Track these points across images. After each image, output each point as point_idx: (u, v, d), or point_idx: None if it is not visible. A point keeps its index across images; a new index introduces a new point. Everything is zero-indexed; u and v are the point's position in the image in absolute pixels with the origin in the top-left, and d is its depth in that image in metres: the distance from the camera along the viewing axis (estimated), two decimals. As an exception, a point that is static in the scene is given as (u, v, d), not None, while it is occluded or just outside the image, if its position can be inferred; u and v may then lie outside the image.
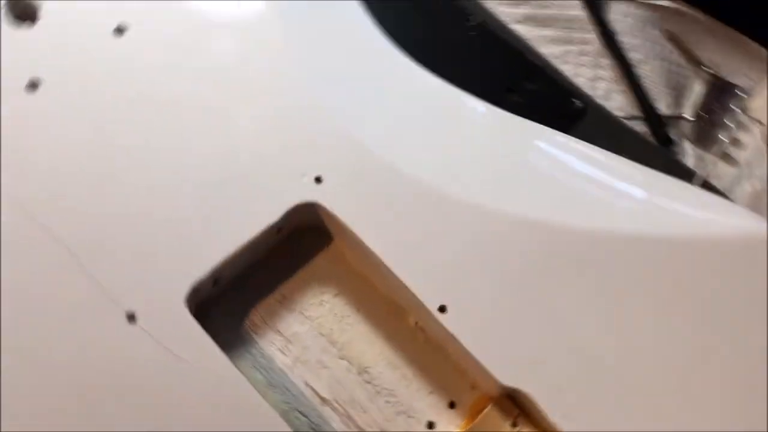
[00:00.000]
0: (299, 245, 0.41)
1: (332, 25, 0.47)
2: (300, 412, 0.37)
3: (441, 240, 0.39)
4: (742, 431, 0.36)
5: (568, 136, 0.43)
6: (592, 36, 0.56)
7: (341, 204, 0.40)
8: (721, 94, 0.54)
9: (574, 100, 0.52)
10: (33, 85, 0.39)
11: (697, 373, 0.38)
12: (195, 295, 0.37)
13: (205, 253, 0.37)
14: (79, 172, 0.38)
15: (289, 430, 0.34)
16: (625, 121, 0.53)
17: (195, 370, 0.34)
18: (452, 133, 0.44)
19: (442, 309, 0.37)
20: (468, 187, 0.41)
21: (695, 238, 0.39)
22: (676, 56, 0.57)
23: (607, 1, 0.57)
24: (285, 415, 0.36)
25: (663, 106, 0.55)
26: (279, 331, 0.39)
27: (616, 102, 0.55)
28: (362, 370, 0.38)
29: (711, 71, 0.56)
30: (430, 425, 0.37)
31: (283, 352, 0.38)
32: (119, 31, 0.41)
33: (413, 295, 0.38)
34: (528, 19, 0.56)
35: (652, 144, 0.53)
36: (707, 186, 0.49)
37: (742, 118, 0.54)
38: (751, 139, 0.54)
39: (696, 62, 0.56)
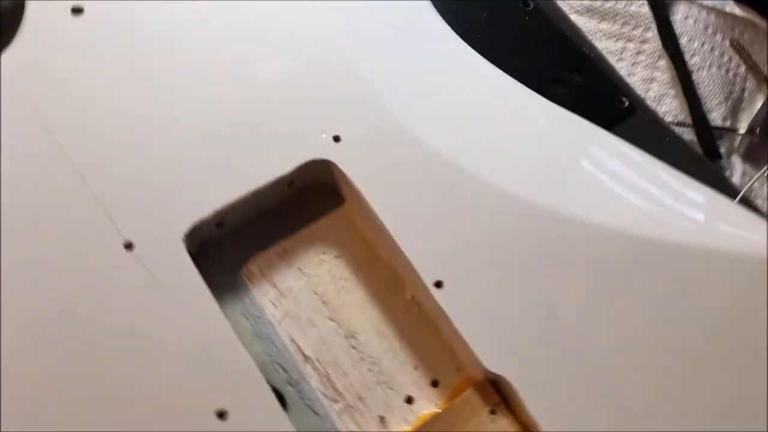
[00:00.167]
0: (309, 202, 0.41)
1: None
2: (280, 365, 0.37)
3: (450, 217, 0.38)
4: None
5: (610, 135, 0.41)
6: (652, 35, 0.54)
7: (356, 165, 0.39)
8: (781, 113, 0.52)
9: (623, 98, 0.50)
10: (77, 11, 0.40)
11: (691, 386, 0.36)
12: (196, 233, 0.37)
13: (211, 194, 0.37)
14: (104, 99, 0.38)
15: (262, 379, 0.33)
16: (674, 128, 0.51)
17: (180, 306, 0.34)
18: (485, 114, 0.42)
19: (439, 285, 0.36)
20: (488, 167, 0.40)
21: (717, 252, 0.37)
22: (739, 67, 0.54)
23: (673, 1, 0.55)
24: (264, 366, 0.36)
25: (717, 116, 0.52)
26: (274, 284, 0.39)
27: (668, 106, 0.52)
28: (350, 335, 0.38)
29: (775, 87, 0.53)
30: (409, 400, 0.37)
31: (274, 305, 0.38)
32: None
33: (412, 267, 0.37)
34: (589, 11, 0.54)
35: (696, 154, 0.50)
36: (748, 203, 0.46)
37: (801, 140, 0.51)
38: (806, 164, 0.51)
39: (760, 76, 0.53)
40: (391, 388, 0.37)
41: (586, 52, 0.52)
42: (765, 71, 0.54)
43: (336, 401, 0.36)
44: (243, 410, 0.33)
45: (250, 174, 0.38)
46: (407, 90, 0.42)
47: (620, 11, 0.55)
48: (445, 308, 0.36)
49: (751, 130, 0.52)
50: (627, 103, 0.50)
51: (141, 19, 0.41)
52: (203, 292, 0.35)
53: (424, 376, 0.37)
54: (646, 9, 0.54)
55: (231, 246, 0.39)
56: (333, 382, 0.37)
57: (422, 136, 0.40)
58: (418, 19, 0.45)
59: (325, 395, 0.36)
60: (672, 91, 0.53)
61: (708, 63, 0.53)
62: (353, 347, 0.37)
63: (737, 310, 0.37)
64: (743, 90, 0.53)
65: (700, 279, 0.37)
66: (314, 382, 0.36)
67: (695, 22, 0.54)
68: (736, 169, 0.51)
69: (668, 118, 0.52)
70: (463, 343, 0.35)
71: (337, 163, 0.39)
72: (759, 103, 0.53)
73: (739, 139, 0.52)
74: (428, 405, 0.37)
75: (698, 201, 0.39)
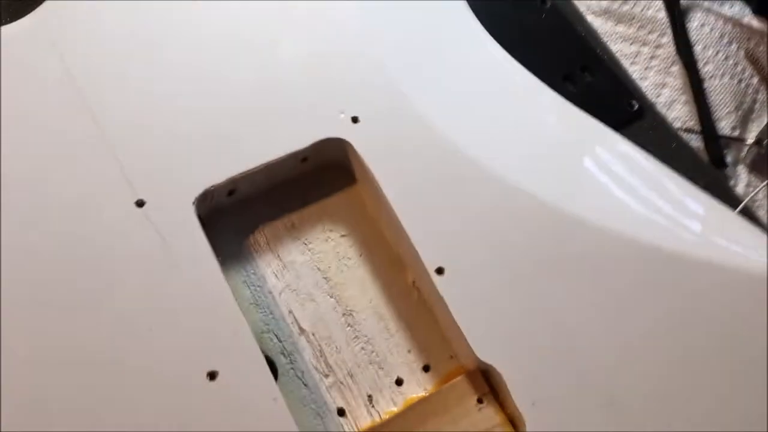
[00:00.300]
0: (322, 180, 0.41)
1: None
2: (275, 335, 0.37)
3: (458, 207, 0.39)
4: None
5: (623, 138, 0.41)
6: (667, 40, 0.54)
7: (371, 147, 0.39)
8: (790, 126, 0.51)
9: (633, 101, 0.50)
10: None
11: (683, 394, 0.36)
12: (207, 198, 0.37)
13: (226, 162, 0.38)
14: (134, 60, 0.39)
15: (256, 346, 0.34)
16: (682, 134, 0.51)
17: (183, 267, 0.35)
18: (501, 107, 0.43)
19: (440, 271, 0.37)
20: (502, 164, 0.40)
21: (714, 265, 0.37)
22: (752, 78, 0.53)
23: (690, 8, 0.55)
24: (259, 335, 0.37)
25: (725, 125, 0.52)
26: (278, 256, 0.39)
27: (678, 112, 0.52)
28: (347, 313, 0.38)
29: (786, 100, 0.52)
30: (399, 381, 0.37)
31: (276, 276, 0.39)
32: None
33: (415, 252, 0.37)
34: (606, 13, 0.55)
35: (702, 161, 0.50)
36: (749, 214, 0.46)
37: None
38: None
39: None
40: (382, 369, 0.37)
41: (600, 53, 0.53)
42: None
43: (327, 376, 0.37)
44: (233, 374, 0.33)
45: (266, 146, 0.39)
46: (428, 79, 0.42)
47: (637, 15, 0.54)
48: (443, 295, 0.36)
49: (758, 141, 0.51)
50: (637, 106, 0.51)
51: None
52: (207, 255, 0.36)
53: (416, 360, 0.38)
54: (662, 14, 0.54)
55: (240, 214, 0.40)
56: (326, 356, 0.37)
57: (438, 126, 0.40)
58: (446, 11, 0.45)
59: (316, 368, 0.37)
60: (683, 98, 0.52)
61: (721, 72, 0.53)
62: (349, 325, 0.38)
63: (731, 325, 0.37)
64: (754, 101, 0.53)
65: (692, 290, 0.37)
66: (307, 355, 0.37)
67: (711, 30, 0.54)
68: (741, 179, 0.50)
69: (677, 124, 0.51)
70: (458, 331, 0.36)
71: (352, 143, 0.39)
72: (766, 115, 0.52)
73: (746, 149, 0.51)
74: (417, 389, 0.37)
75: (698, 211, 0.39)
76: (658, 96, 0.52)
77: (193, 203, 0.36)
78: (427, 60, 0.43)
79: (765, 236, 0.39)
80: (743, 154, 0.51)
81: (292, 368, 0.37)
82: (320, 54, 0.41)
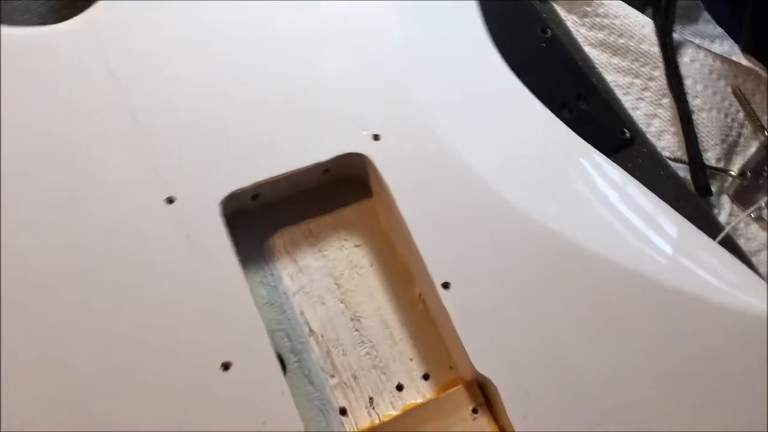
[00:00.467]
0: (340, 191, 0.43)
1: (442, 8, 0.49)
2: (286, 334, 0.39)
3: (467, 227, 0.41)
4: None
5: (614, 164, 0.44)
6: (659, 74, 0.56)
7: (389, 164, 0.42)
8: (773, 161, 0.54)
9: (624, 129, 0.53)
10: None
11: (671, 423, 0.38)
12: (232, 201, 0.40)
13: (253, 167, 0.40)
14: (174, 61, 0.42)
15: (269, 342, 0.36)
16: (670, 162, 0.53)
17: (207, 264, 0.37)
18: (512, 130, 0.45)
19: (446, 285, 0.39)
20: (511, 186, 0.42)
21: (695, 297, 0.40)
22: (738, 113, 0.56)
23: (682, 44, 0.57)
24: (271, 332, 0.39)
25: (711, 156, 0.54)
26: (294, 260, 0.41)
27: (667, 142, 0.55)
28: (355, 318, 0.40)
29: (769, 136, 0.55)
30: (399, 387, 0.39)
31: (291, 279, 0.41)
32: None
33: (424, 265, 0.39)
34: (602, 45, 0.57)
35: (688, 190, 0.52)
36: (730, 243, 0.48)
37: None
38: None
39: (756, 124, 0.56)
40: (384, 374, 0.39)
41: (595, 82, 0.55)
42: (762, 120, 0.56)
43: (332, 376, 0.39)
44: (246, 366, 0.35)
45: (291, 156, 0.41)
46: (449, 104, 0.45)
47: (632, 48, 0.57)
48: (447, 307, 0.38)
49: (742, 173, 0.54)
50: (628, 135, 0.53)
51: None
52: (230, 254, 0.38)
53: (417, 368, 0.40)
54: (656, 49, 0.57)
55: (262, 218, 0.42)
56: (332, 358, 0.39)
57: (455, 149, 0.43)
58: (469, 41, 0.48)
59: (322, 369, 0.39)
60: (672, 129, 0.55)
61: (709, 106, 0.55)
62: (356, 330, 0.40)
63: (710, 355, 0.39)
64: (739, 135, 0.55)
65: (679, 320, 0.40)
66: (315, 355, 0.39)
67: (701, 66, 0.56)
68: (724, 209, 0.53)
69: (666, 153, 0.54)
70: (459, 343, 0.38)
71: (372, 159, 0.42)
72: (753, 149, 0.55)
73: (730, 180, 0.54)
74: (416, 395, 0.39)
75: (680, 239, 0.42)
76: (648, 126, 0.55)
77: (220, 204, 0.39)
78: (449, 86, 0.46)
79: (745, 268, 0.41)
80: (727, 184, 0.54)
81: (299, 366, 0.39)
82: (350, 71, 0.44)
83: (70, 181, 0.38)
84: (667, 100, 0.56)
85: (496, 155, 0.44)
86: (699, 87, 0.56)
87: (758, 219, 0.52)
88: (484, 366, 0.37)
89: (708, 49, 0.58)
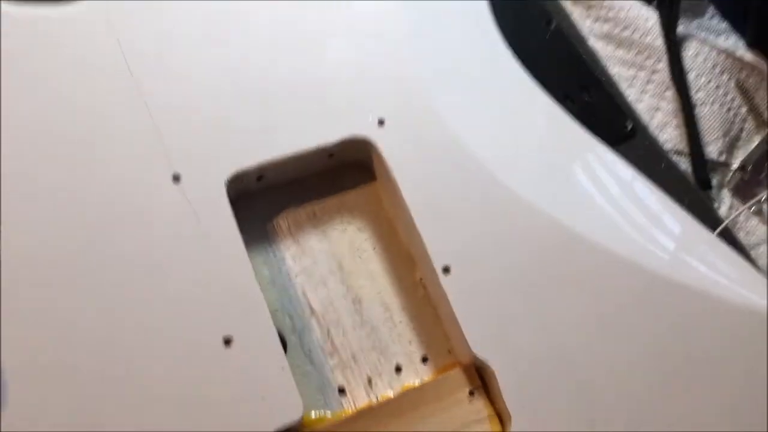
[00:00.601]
0: (344, 175, 0.44)
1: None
2: (288, 314, 0.40)
3: (470, 213, 0.41)
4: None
5: (617, 156, 0.44)
6: (663, 67, 0.57)
7: (393, 149, 0.42)
8: (773, 155, 0.54)
9: (626, 121, 0.53)
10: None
11: (665, 417, 0.38)
12: (237, 181, 0.40)
13: (258, 148, 0.41)
14: (185, 43, 0.42)
15: (270, 320, 0.37)
16: (672, 155, 0.54)
17: (211, 242, 0.38)
18: (516, 120, 0.46)
19: (446, 270, 0.39)
20: (514, 174, 0.43)
21: (695, 292, 0.41)
22: (740, 108, 0.56)
23: (687, 37, 0.58)
24: (273, 312, 0.39)
25: (713, 150, 0.55)
26: (298, 241, 0.42)
27: (669, 135, 0.55)
28: (356, 300, 0.41)
29: (771, 131, 0.55)
30: (398, 369, 0.40)
31: (294, 260, 0.41)
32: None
33: (425, 250, 0.40)
34: (607, 37, 0.58)
35: (688, 182, 0.53)
36: (729, 236, 0.49)
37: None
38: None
39: (759, 119, 0.56)
40: (383, 355, 0.40)
41: (599, 75, 0.56)
42: (765, 115, 0.56)
43: (331, 356, 0.39)
44: (247, 342, 0.36)
45: (296, 139, 0.41)
46: (454, 93, 0.45)
47: (636, 41, 0.57)
48: (447, 292, 0.39)
49: (743, 167, 0.54)
50: (630, 127, 0.54)
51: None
52: (234, 233, 0.38)
53: (416, 351, 0.40)
54: (660, 42, 0.57)
55: (266, 199, 0.42)
56: (332, 338, 0.40)
57: (459, 136, 0.43)
58: (477, 31, 0.48)
59: (322, 348, 0.39)
60: (674, 121, 0.55)
61: (711, 99, 0.56)
62: (357, 312, 0.41)
63: (708, 349, 0.40)
64: (741, 129, 0.56)
65: (673, 313, 0.40)
66: (315, 335, 0.40)
67: (705, 60, 0.57)
68: (725, 202, 0.53)
69: (668, 146, 0.54)
70: (457, 327, 0.38)
71: (376, 144, 0.42)
72: (754, 144, 0.55)
73: (730, 174, 0.54)
74: (414, 377, 0.40)
75: (678, 231, 0.42)
76: (651, 118, 0.55)
77: (225, 183, 0.39)
78: (455, 75, 0.46)
79: (742, 261, 0.42)
80: (728, 178, 0.54)
81: (300, 345, 0.39)
82: (357, 57, 0.44)
83: (77, 156, 0.38)
84: (670, 93, 0.56)
85: (501, 144, 0.44)
86: (702, 80, 0.56)
87: (758, 213, 0.53)
88: (482, 350, 0.38)
89: (713, 43, 0.58)
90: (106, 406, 0.34)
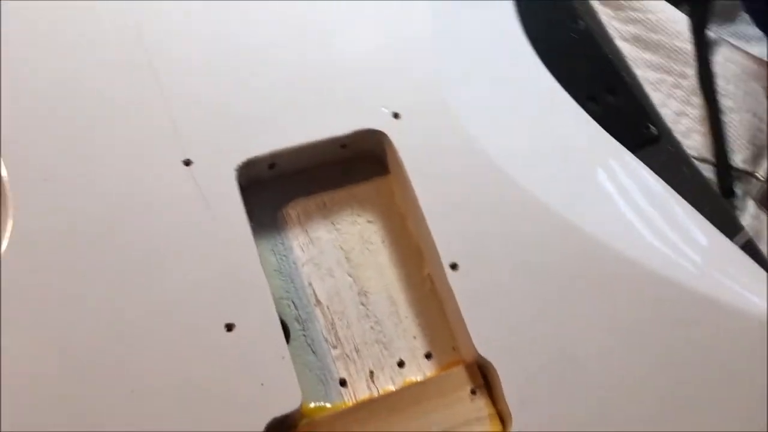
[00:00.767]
0: (357, 167, 0.44)
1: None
2: (293, 303, 0.40)
3: (480, 210, 0.41)
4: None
5: (639, 161, 0.44)
6: (691, 71, 0.55)
7: (407, 143, 0.42)
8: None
9: (650, 125, 0.52)
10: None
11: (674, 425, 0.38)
12: (249, 168, 0.40)
13: (271, 136, 0.40)
14: (203, 27, 0.42)
15: (273, 307, 0.36)
16: (696, 162, 0.52)
17: (219, 227, 0.38)
18: (537, 121, 0.45)
19: (454, 266, 0.39)
20: (530, 175, 0.42)
21: (714, 303, 0.39)
22: None
23: (717, 43, 0.56)
24: (278, 300, 0.39)
25: (738, 159, 0.53)
26: (306, 231, 0.42)
27: (694, 141, 0.54)
28: (362, 292, 0.41)
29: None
30: (401, 363, 0.39)
31: (302, 249, 0.41)
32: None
33: (434, 246, 0.39)
34: (634, 39, 0.57)
35: (711, 190, 0.52)
36: (751, 247, 0.47)
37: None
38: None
39: None
40: (387, 349, 0.39)
41: (624, 76, 0.55)
42: None
43: (334, 347, 0.39)
44: (249, 328, 0.36)
45: (310, 127, 0.41)
46: (472, 89, 0.45)
47: (665, 44, 0.56)
48: (454, 288, 0.38)
49: None
50: (654, 131, 0.53)
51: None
52: (242, 219, 0.38)
53: (420, 346, 0.40)
54: (689, 46, 0.56)
55: (277, 187, 0.42)
56: (336, 329, 0.39)
57: (473, 133, 0.43)
58: (500, 27, 0.48)
59: (326, 339, 0.39)
60: (701, 128, 0.54)
61: (739, 107, 0.54)
62: (362, 304, 0.40)
63: (726, 364, 0.39)
64: None
65: (690, 324, 0.39)
66: (319, 325, 0.39)
67: (735, 66, 0.55)
68: (749, 212, 0.52)
69: (693, 153, 0.53)
70: (463, 324, 0.38)
71: (390, 137, 0.42)
72: None
73: (756, 183, 0.53)
74: (417, 373, 0.39)
75: (702, 242, 0.41)
76: (676, 124, 0.54)
77: (236, 170, 0.39)
78: (475, 70, 0.45)
79: (765, 274, 0.40)
80: (753, 188, 0.53)
81: (303, 335, 0.39)
82: (375, 47, 0.44)
83: (89, 137, 0.38)
84: (698, 99, 0.55)
85: (518, 144, 0.44)
86: (731, 87, 0.55)
87: None
88: (486, 348, 0.37)
89: (744, 50, 0.57)
90: (105, 385, 0.34)
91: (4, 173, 0.37)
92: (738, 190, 0.52)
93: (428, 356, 0.40)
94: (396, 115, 0.42)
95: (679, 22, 0.57)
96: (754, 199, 0.53)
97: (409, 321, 0.40)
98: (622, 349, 0.38)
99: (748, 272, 0.41)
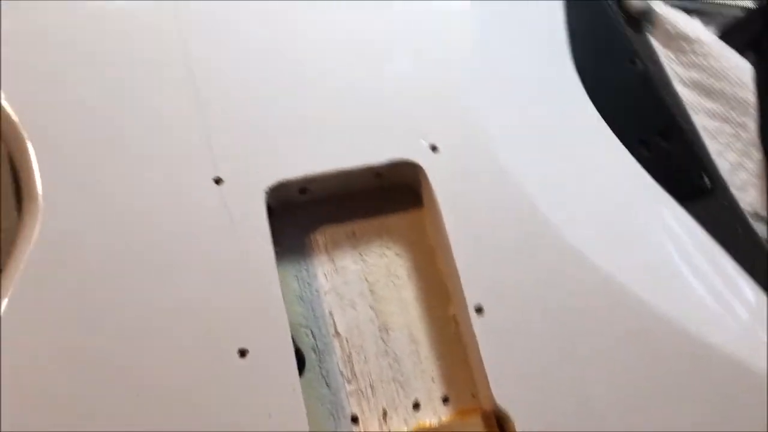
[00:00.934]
0: (391, 197, 0.43)
1: (526, 24, 0.47)
2: (311, 332, 0.39)
3: (513, 254, 0.39)
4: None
5: (686, 213, 0.41)
6: (752, 123, 0.53)
7: (443, 178, 0.41)
8: None
9: (704, 176, 0.50)
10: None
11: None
12: (280, 190, 0.39)
13: (304, 160, 0.40)
14: (247, 48, 0.42)
15: (289, 337, 0.36)
16: (750, 219, 0.50)
17: (241, 249, 0.37)
18: (581, 164, 0.43)
19: (479, 310, 0.38)
20: (566, 220, 0.40)
21: (754, 372, 0.37)
22: None
23: None
24: (297, 327, 0.38)
25: None
26: (332, 259, 0.41)
27: (750, 196, 0.51)
28: (383, 328, 0.39)
29: None
30: (416, 405, 0.38)
31: (326, 277, 0.40)
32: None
33: (460, 286, 0.38)
34: (695, 85, 0.54)
35: (763, 249, 0.49)
36: None
37: None
38: None
39: None
40: (403, 389, 0.38)
41: (681, 122, 0.53)
42: None
43: (349, 382, 0.38)
44: (262, 357, 0.35)
45: (345, 154, 0.40)
46: (514, 128, 0.43)
47: (727, 93, 0.54)
48: (477, 333, 0.37)
49: None
50: (707, 182, 0.50)
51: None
52: (266, 243, 0.38)
53: (438, 389, 0.39)
54: (752, 97, 0.53)
55: (307, 212, 0.41)
56: (353, 363, 0.38)
57: (512, 174, 0.41)
58: (549, 63, 0.46)
59: (341, 373, 0.38)
60: (759, 182, 0.51)
61: None
62: (382, 340, 0.39)
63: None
64: None
65: (727, 388, 0.37)
66: (336, 357, 0.38)
67: None
68: None
69: (747, 208, 0.50)
70: (483, 372, 0.36)
71: (426, 170, 0.41)
72: None
73: None
74: (432, 416, 0.38)
75: (741, 302, 0.39)
76: (733, 176, 0.52)
77: (266, 191, 0.39)
78: (519, 107, 0.44)
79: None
80: None
81: (319, 366, 0.38)
82: (417, 78, 0.43)
83: (125, 145, 0.38)
84: (757, 152, 0.53)
85: (557, 187, 0.42)
86: None
87: None
88: (505, 399, 0.36)
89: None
90: (113, 395, 0.34)
91: (38, 178, 0.37)
92: None
93: (445, 400, 0.38)
94: (434, 148, 0.41)
95: (744, 70, 0.54)
96: None
97: (429, 362, 0.39)
98: (648, 409, 0.36)
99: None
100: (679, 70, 0.56)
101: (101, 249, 0.36)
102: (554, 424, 0.36)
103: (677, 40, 0.56)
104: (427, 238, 0.42)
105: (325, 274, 0.40)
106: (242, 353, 0.35)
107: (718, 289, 0.41)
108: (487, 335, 0.37)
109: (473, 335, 0.37)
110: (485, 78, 0.44)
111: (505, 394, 0.36)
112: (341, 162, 0.40)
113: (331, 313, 0.39)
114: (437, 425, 0.37)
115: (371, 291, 0.40)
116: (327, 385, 0.38)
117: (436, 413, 0.38)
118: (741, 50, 0.56)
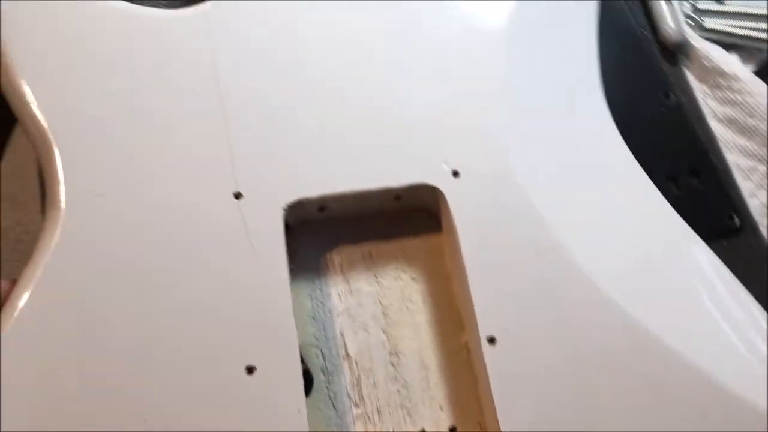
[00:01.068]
0: (409, 220, 0.42)
1: (559, 52, 0.47)
2: (321, 353, 0.39)
3: (530, 286, 0.39)
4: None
5: (713, 254, 0.40)
6: None
7: (463, 204, 0.40)
8: None
9: (734, 216, 0.48)
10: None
11: None
12: (298, 208, 0.39)
13: (323, 179, 0.40)
14: (273, 66, 0.42)
15: (298, 357, 0.36)
16: None
17: (256, 265, 0.37)
18: (607, 199, 0.42)
19: (492, 340, 0.37)
20: (587, 254, 0.40)
21: None
22: None
23: None
24: (307, 347, 0.38)
25: None
26: (347, 280, 0.41)
27: None
28: (394, 352, 0.39)
29: None
30: (422, 433, 0.37)
31: (339, 298, 0.40)
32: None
33: (474, 315, 0.38)
34: (729, 122, 0.53)
35: None
36: None
37: None
38: None
39: None
40: (410, 416, 0.38)
41: (713, 159, 0.51)
42: None
43: (356, 405, 0.38)
44: (270, 376, 0.35)
45: (365, 174, 0.40)
46: (539, 158, 0.43)
47: (762, 131, 0.52)
48: (488, 364, 0.36)
49: None
50: (737, 222, 0.49)
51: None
52: (281, 260, 0.38)
53: (445, 418, 0.38)
54: None
55: (325, 231, 0.41)
56: (361, 387, 0.38)
57: (536, 203, 0.41)
58: (579, 93, 0.46)
59: (349, 395, 0.38)
60: None
61: None
62: (392, 364, 0.39)
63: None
64: None
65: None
66: (345, 380, 0.38)
67: None
68: None
69: None
70: (492, 404, 0.36)
71: (446, 195, 0.40)
72: None
73: None
74: (438, 446, 0.37)
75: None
76: (764, 217, 0.50)
77: (284, 208, 0.39)
78: (544, 137, 0.43)
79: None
80: None
81: (327, 388, 0.38)
82: (442, 101, 0.42)
83: (147, 155, 0.39)
84: None
85: (579, 220, 0.41)
86: None
87: None
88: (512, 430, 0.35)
89: None
90: (120, 410, 0.34)
91: (63, 187, 0.37)
92: None
93: (452, 430, 0.38)
94: (456, 174, 0.41)
95: (781, 109, 0.53)
96: None
97: (438, 389, 0.39)
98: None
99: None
100: (714, 105, 0.55)
101: (117, 259, 0.36)
102: (561, 461, 0.35)
103: (713, 75, 0.55)
104: (445, 264, 0.42)
105: (339, 295, 0.40)
106: (250, 370, 0.35)
107: (749, 337, 0.40)
108: (498, 366, 0.36)
109: (484, 365, 0.37)
110: (513, 105, 0.44)
111: (511, 426, 0.35)
112: (361, 182, 0.40)
113: (342, 335, 0.39)
114: (442, 455, 0.37)
115: (384, 314, 0.40)
116: (333, 407, 0.37)
117: (442, 442, 0.37)
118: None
